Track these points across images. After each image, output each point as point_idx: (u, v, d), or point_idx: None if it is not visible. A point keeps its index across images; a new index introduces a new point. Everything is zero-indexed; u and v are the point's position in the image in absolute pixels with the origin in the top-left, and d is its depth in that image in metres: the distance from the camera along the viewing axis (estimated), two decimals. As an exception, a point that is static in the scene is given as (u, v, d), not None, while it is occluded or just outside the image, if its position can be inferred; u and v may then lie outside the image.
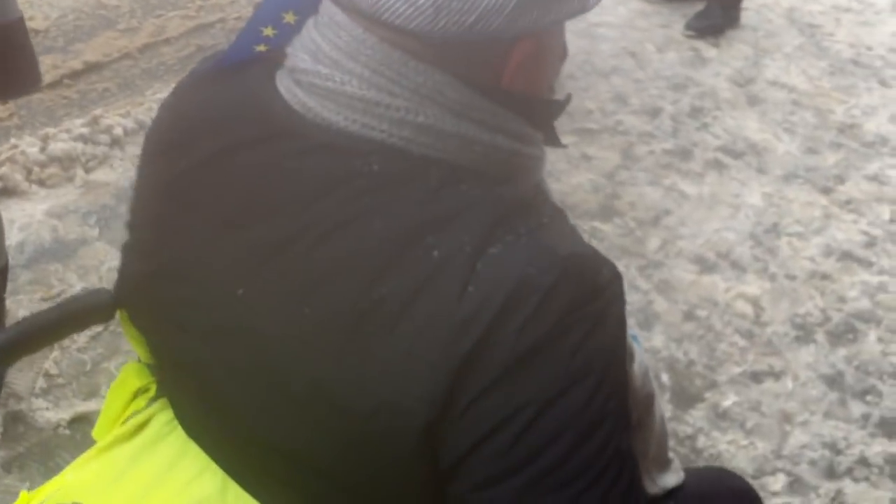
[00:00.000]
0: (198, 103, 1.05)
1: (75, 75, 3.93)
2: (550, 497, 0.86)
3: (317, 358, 0.89)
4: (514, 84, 0.98)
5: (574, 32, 4.47)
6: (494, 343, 0.85)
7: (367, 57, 0.92)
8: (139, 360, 1.18)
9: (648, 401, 1.24)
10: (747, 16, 4.80)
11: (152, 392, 1.12)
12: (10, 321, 2.65)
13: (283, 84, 0.99)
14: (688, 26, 4.63)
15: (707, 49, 4.53)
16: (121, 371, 1.17)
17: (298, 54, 0.98)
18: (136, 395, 1.13)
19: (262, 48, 1.02)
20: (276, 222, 0.93)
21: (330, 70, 0.94)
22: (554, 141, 1.11)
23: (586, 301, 0.88)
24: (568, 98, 1.13)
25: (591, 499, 0.87)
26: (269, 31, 1.01)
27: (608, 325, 0.91)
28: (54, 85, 3.84)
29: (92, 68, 3.99)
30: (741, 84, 4.29)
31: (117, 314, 1.17)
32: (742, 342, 2.92)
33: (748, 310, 3.05)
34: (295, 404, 0.91)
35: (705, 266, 3.21)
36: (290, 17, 1.00)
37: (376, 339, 0.86)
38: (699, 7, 4.70)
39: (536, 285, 0.85)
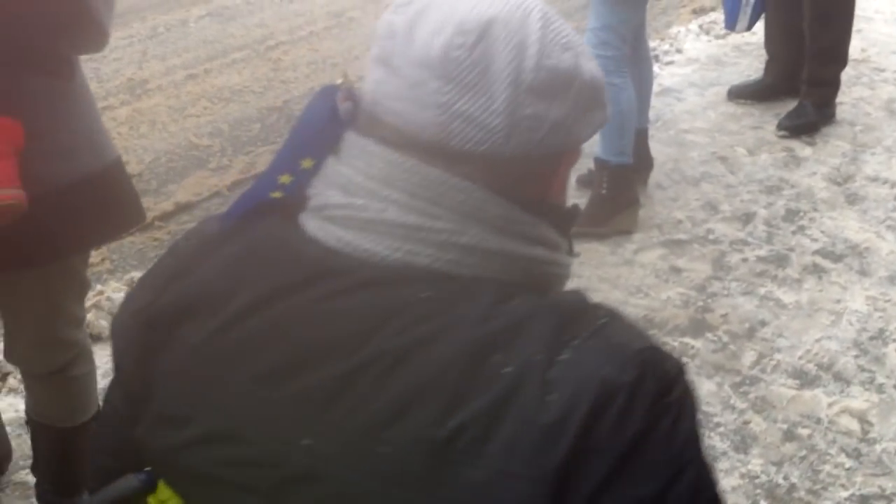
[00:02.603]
0: (217, 262, 1.02)
1: (166, 217, 4.03)
2: None
3: (404, 495, 0.85)
4: (557, 195, 1.01)
5: (662, 141, 4.40)
6: (591, 449, 0.82)
7: (404, 181, 0.93)
8: None
9: None
10: (843, 110, 4.65)
11: None
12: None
13: (312, 225, 0.97)
14: (780, 126, 4.51)
15: (801, 148, 4.39)
16: None
17: (326, 192, 0.97)
18: None
19: (277, 195, 1.00)
20: (332, 365, 0.89)
21: (366, 200, 0.93)
22: (571, 250, 1.10)
23: (666, 392, 0.87)
24: (576, 207, 1.11)
25: None
26: (285, 179, 1.00)
27: (689, 414, 0.89)
28: (146, 227, 3.94)
29: (183, 209, 4.09)
30: (839, 182, 4.13)
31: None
32: (849, 462, 2.73)
33: (854, 426, 2.86)
34: None
35: (806, 380, 3.03)
36: (307, 164, 0.99)
37: (464, 465, 0.83)
38: (791, 106, 4.58)
39: (619, 384, 0.84)
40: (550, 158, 0.97)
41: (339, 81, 1.02)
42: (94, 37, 1.99)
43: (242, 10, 6.32)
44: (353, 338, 0.89)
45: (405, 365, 0.87)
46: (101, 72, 5.40)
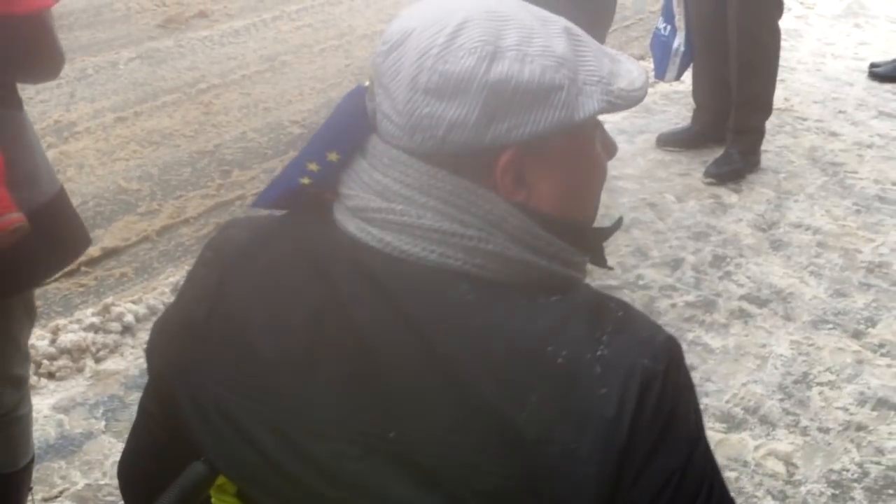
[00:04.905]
0: (264, 273, 1.08)
1: (93, 262, 3.97)
2: None
3: (488, 469, 0.96)
4: (529, 200, 1.05)
5: (591, 187, 4.44)
6: (638, 430, 0.96)
7: (438, 189, 1.02)
8: None
9: None
10: (767, 158, 4.76)
11: None
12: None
13: (351, 225, 1.06)
14: (707, 173, 4.60)
15: (728, 195, 4.48)
16: None
17: (363, 195, 1.05)
18: None
19: (306, 181, 1.08)
20: (407, 366, 0.99)
21: (404, 206, 1.03)
22: (601, 261, 1.18)
23: (681, 375, 1.02)
24: (618, 222, 1.22)
25: None
26: (313, 166, 1.08)
27: (692, 390, 1.04)
28: (72, 273, 3.87)
29: (110, 254, 4.03)
30: (764, 229, 4.21)
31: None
32: (775, 505, 2.76)
33: (780, 468, 2.90)
34: None
35: (732, 423, 3.07)
36: (333, 157, 1.07)
37: (540, 445, 0.95)
38: (718, 153, 4.67)
39: (655, 373, 0.98)
40: (482, 159, 1.02)
41: (366, 84, 1.09)
42: (56, 64, 2.00)
43: (173, 53, 6.29)
44: (418, 340, 0.98)
45: (476, 357, 0.97)
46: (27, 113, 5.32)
